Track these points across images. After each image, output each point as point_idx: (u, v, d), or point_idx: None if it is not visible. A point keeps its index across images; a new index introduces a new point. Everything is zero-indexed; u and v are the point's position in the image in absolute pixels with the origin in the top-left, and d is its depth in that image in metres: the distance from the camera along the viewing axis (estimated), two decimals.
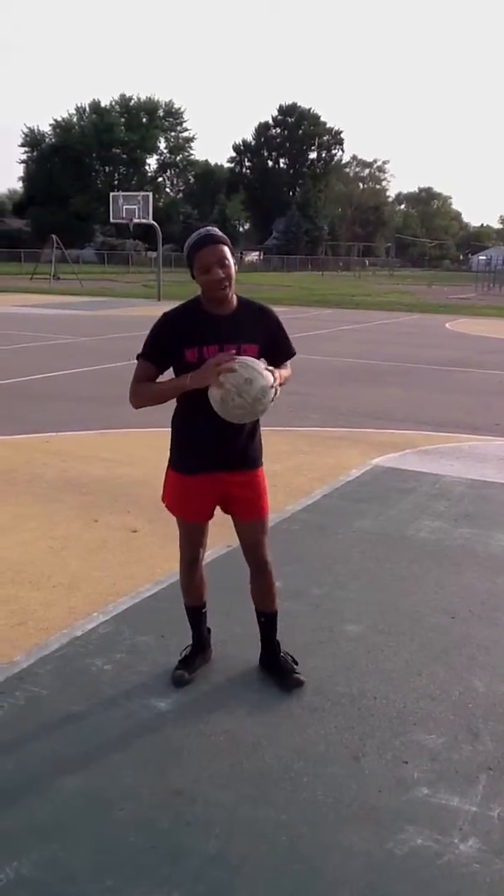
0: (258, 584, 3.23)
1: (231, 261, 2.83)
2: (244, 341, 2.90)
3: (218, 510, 3.15)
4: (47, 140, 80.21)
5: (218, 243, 2.79)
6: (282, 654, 3.25)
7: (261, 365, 2.81)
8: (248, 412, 2.79)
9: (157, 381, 2.96)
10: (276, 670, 3.21)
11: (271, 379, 2.78)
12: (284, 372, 3.01)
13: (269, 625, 3.26)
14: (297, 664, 3.22)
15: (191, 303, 2.96)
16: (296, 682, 3.14)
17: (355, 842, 2.32)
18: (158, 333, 2.93)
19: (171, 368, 2.97)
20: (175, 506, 3.14)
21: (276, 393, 2.81)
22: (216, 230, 2.87)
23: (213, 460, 2.99)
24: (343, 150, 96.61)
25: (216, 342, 2.86)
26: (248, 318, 2.95)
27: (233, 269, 2.83)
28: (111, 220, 30.36)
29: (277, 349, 3.05)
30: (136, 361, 3.00)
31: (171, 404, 3.08)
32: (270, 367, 2.86)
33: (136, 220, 29.06)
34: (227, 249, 2.81)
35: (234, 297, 2.93)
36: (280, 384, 2.86)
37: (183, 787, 2.55)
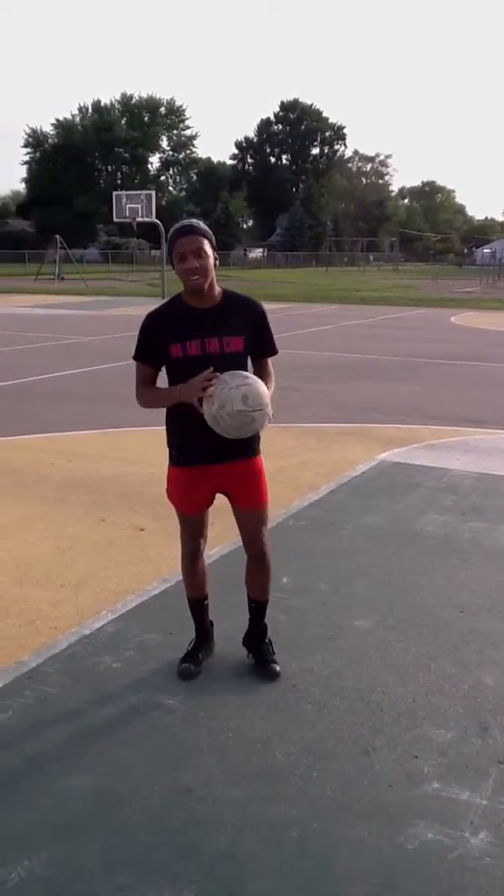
0: (253, 574, 3.25)
1: (209, 253, 2.83)
2: (227, 334, 2.90)
3: (223, 500, 3.15)
4: (50, 140, 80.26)
5: (195, 234, 2.82)
6: (266, 640, 3.27)
7: (249, 381, 2.80)
8: (242, 427, 2.79)
9: (156, 384, 3.03)
10: (258, 656, 3.25)
11: (266, 398, 2.80)
12: (271, 387, 2.98)
13: (259, 611, 3.29)
14: (274, 653, 3.25)
15: (173, 299, 3.00)
16: (271, 673, 3.17)
17: (366, 837, 2.32)
18: (143, 333, 2.98)
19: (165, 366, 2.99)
20: (176, 499, 3.16)
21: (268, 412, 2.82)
22: (198, 222, 2.90)
23: (208, 453, 2.98)
24: (345, 146, 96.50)
25: (198, 336, 2.87)
26: (232, 311, 2.95)
27: (211, 261, 2.83)
28: (114, 219, 30.36)
29: (261, 344, 3.03)
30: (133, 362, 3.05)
31: None
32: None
33: (139, 219, 29.05)
34: (205, 241, 2.83)
35: (219, 290, 2.94)
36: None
37: (193, 785, 2.55)
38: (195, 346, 2.87)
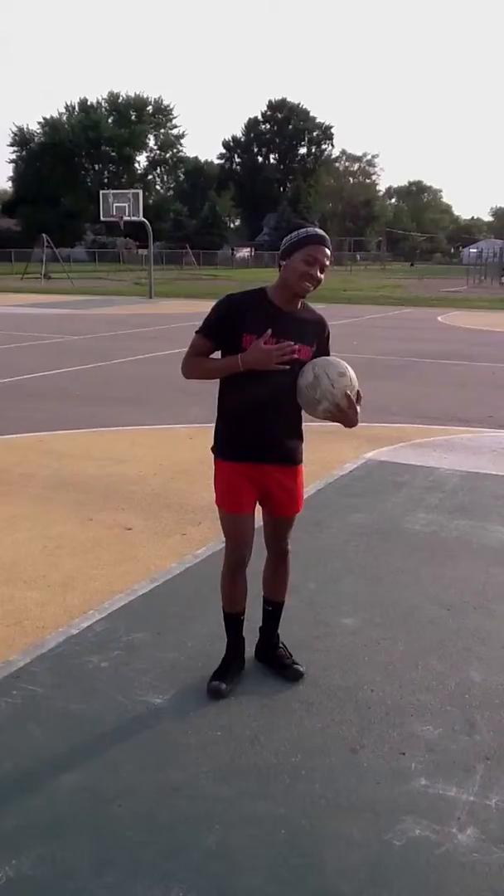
0: (275, 572, 3.25)
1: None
2: (302, 342, 2.90)
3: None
4: (36, 139, 79.99)
5: (329, 248, 2.87)
6: (280, 645, 3.27)
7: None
8: (329, 404, 2.86)
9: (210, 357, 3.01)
10: (275, 662, 3.23)
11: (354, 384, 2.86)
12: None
13: (274, 615, 3.28)
14: (291, 655, 3.24)
15: (257, 291, 2.97)
16: (296, 674, 3.16)
17: (354, 833, 2.33)
18: (221, 312, 2.93)
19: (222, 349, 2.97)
20: (223, 497, 3.06)
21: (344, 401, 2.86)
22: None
23: (259, 450, 2.98)
24: (333, 145, 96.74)
25: (276, 335, 2.85)
26: (309, 323, 2.98)
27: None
28: (101, 218, 30.26)
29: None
30: (183, 345, 3.04)
31: (208, 391, 3.05)
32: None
33: (126, 218, 28.97)
34: (329, 258, 2.88)
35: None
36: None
37: (181, 783, 2.55)
38: (271, 343, 2.84)
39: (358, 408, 2.88)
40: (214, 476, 3.09)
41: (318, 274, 2.83)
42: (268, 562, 3.27)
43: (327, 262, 2.86)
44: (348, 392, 2.83)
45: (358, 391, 2.88)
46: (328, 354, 3.07)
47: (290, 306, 2.93)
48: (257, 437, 2.97)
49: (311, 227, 2.91)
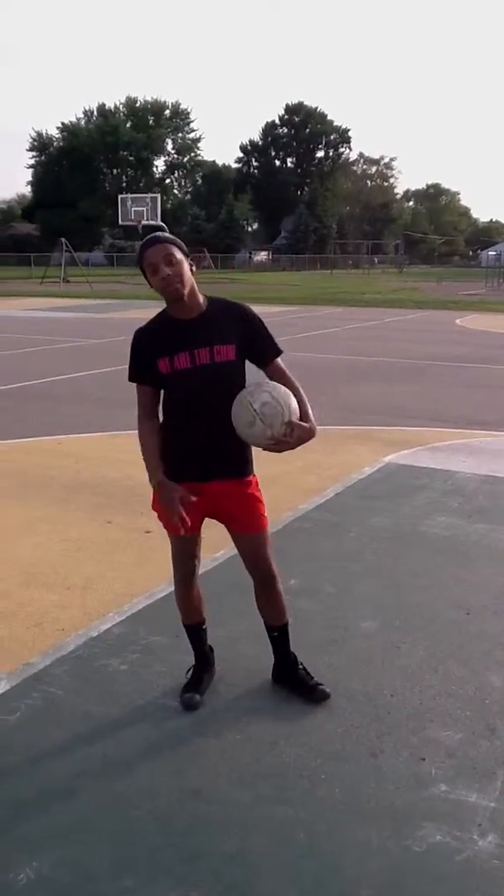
0: (264, 598, 3.08)
1: (180, 258, 2.72)
2: (218, 342, 2.78)
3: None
4: (55, 144, 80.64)
5: (160, 243, 2.72)
6: (300, 667, 3.13)
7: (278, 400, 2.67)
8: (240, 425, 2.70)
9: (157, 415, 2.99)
10: (298, 685, 3.09)
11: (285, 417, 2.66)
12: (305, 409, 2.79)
13: (282, 638, 3.13)
14: (312, 676, 3.11)
15: (159, 315, 2.88)
16: (322, 695, 3.03)
17: (373, 839, 2.32)
18: (132, 351, 2.89)
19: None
20: (165, 518, 2.97)
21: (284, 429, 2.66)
22: (163, 233, 2.82)
23: (201, 469, 2.87)
24: (350, 148, 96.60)
25: (186, 348, 2.77)
26: (220, 319, 2.81)
27: (185, 267, 2.73)
28: (120, 222, 30.56)
29: (263, 348, 2.88)
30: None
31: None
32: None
33: (144, 222, 29.18)
34: (173, 247, 2.73)
35: (203, 298, 2.84)
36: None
37: (200, 786, 2.55)
38: (184, 358, 2.77)
39: (294, 439, 2.66)
40: (153, 491, 2.97)
41: (169, 270, 2.67)
42: (255, 589, 3.08)
43: (170, 252, 2.69)
44: (270, 434, 2.64)
45: (287, 424, 2.64)
46: (267, 336, 2.88)
47: (191, 312, 2.80)
48: (194, 457, 2.86)
49: (143, 240, 2.81)
